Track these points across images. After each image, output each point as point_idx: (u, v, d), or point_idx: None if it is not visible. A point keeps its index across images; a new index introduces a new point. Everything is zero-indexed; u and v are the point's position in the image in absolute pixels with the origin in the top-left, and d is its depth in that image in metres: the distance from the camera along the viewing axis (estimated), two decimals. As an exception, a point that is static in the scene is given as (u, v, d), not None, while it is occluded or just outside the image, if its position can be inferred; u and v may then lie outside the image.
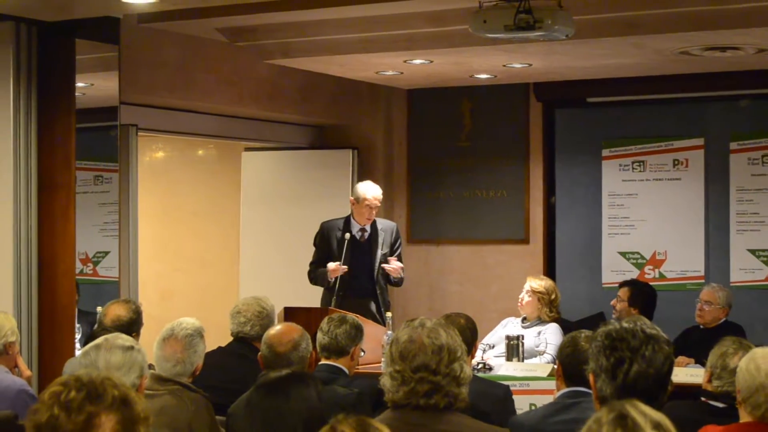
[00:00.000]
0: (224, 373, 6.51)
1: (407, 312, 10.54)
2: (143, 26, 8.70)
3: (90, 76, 8.41)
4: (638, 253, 10.90)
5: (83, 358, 4.83)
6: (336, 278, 9.13)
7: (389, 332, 8.02)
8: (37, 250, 8.02)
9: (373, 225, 9.41)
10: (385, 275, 9.39)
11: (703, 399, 5.65)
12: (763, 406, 4.72)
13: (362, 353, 6.68)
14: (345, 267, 9.15)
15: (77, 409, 2.75)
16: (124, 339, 4.86)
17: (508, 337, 8.21)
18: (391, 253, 9.41)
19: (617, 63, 9.71)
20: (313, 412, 4.10)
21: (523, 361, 8.05)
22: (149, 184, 10.86)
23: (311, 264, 9.39)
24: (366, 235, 9.39)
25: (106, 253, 8.71)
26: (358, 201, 9.37)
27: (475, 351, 6.75)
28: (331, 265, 9.14)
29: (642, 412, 2.74)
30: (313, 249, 9.46)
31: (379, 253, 9.36)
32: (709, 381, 5.63)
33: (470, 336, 6.27)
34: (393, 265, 9.31)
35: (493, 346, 8.35)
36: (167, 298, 11.25)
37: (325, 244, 9.36)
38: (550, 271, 10.92)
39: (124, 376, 4.59)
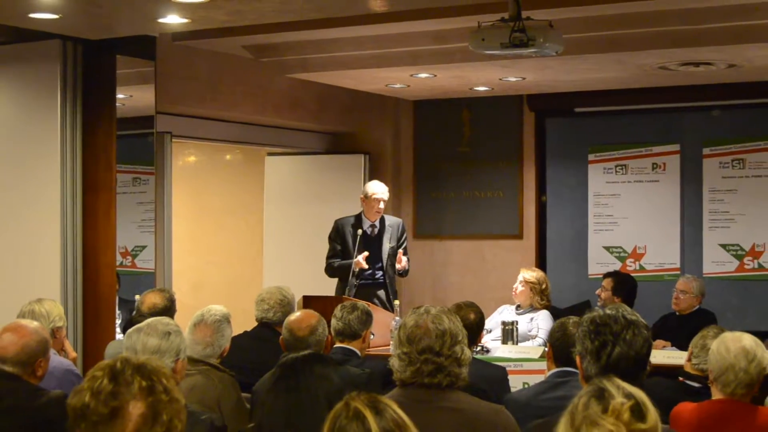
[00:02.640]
0: (249, 354, 6.51)
1: (413, 300, 10.54)
2: (177, 44, 8.71)
3: (129, 88, 8.43)
4: (621, 247, 10.90)
5: (127, 339, 4.82)
6: (359, 269, 9.11)
7: (397, 318, 8.02)
8: (82, 244, 8.04)
9: (382, 221, 9.39)
10: (394, 266, 9.38)
11: (680, 379, 5.66)
12: (732, 384, 4.73)
13: (372, 336, 6.68)
14: (366, 253, 9.13)
15: (103, 401, 2.77)
16: (164, 324, 4.84)
17: (503, 323, 8.20)
18: (398, 245, 9.40)
19: (602, 77, 9.71)
20: (333, 390, 4.11)
21: (517, 344, 8.05)
22: (182, 185, 10.85)
23: (328, 259, 9.35)
24: (376, 230, 9.37)
25: (144, 247, 8.72)
26: (367, 198, 9.35)
27: (480, 340, 6.75)
28: (356, 260, 9.10)
29: (616, 385, 2.74)
30: (328, 244, 9.42)
31: (388, 246, 9.34)
32: (689, 360, 5.65)
33: (477, 329, 6.29)
34: (403, 261, 9.30)
35: (491, 331, 8.34)
36: (198, 288, 11.25)
37: (340, 238, 9.33)
38: (541, 263, 10.92)
39: (159, 359, 4.59)
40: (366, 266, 9.10)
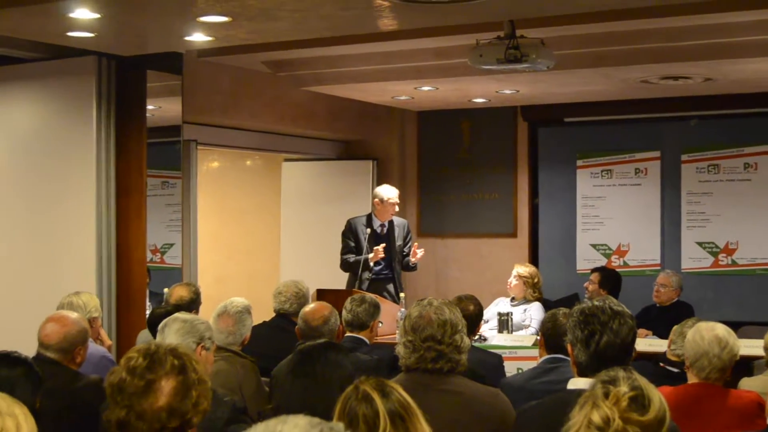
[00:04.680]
0: (268, 342, 6.51)
1: (417, 293, 10.54)
2: (202, 60, 8.73)
3: (158, 100, 8.44)
4: (606, 245, 10.90)
5: (161, 329, 4.83)
6: (373, 262, 9.10)
7: (402, 309, 8.02)
8: (116, 242, 8.06)
9: (390, 221, 9.38)
10: (401, 262, 9.36)
11: (661, 364, 5.68)
12: (707, 369, 4.75)
13: (380, 324, 6.68)
14: (383, 244, 9.12)
15: (139, 375, 2.83)
16: (189, 315, 4.88)
17: (499, 314, 8.21)
18: (404, 244, 9.40)
19: (589, 90, 9.71)
20: (345, 375, 4.13)
21: (511, 333, 8.05)
22: (206, 188, 10.88)
23: (343, 255, 9.29)
24: (385, 229, 9.36)
25: (172, 244, 8.73)
26: (382, 201, 9.28)
27: (479, 329, 6.75)
28: (371, 254, 9.09)
29: (629, 377, 2.74)
30: (341, 241, 9.37)
31: (396, 244, 9.33)
32: (669, 347, 5.67)
33: (476, 319, 6.30)
34: (419, 254, 9.27)
35: (488, 321, 8.34)
36: (221, 282, 11.27)
37: (353, 235, 9.28)
38: (533, 259, 10.92)
39: (182, 338, 4.60)
40: (383, 255, 9.09)
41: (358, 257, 9.16)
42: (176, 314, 4.82)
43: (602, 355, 3.59)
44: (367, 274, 9.11)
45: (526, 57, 6.79)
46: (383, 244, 9.11)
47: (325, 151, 11.55)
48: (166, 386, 2.84)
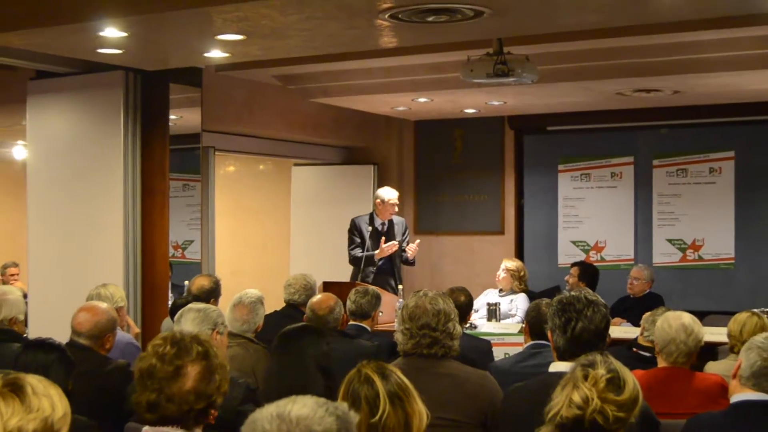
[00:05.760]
0: (278, 330, 6.49)
1: (414, 285, 10.53)
2: (219, 74, 8.73)
3: (180, 110, 8.43)
4: (585, 241, 10.90)
5: (178, 319, 4.83)
6: (378, 258, 9.09)
7: (401, 300, 8.03)
8: (141, 239, 8.05)
9: (390, 220, 9.38)
10: (400, 256, 9.34)
11: (634, 349, 5.69)
12: (674, 354, 4.76)
13: (380, 313, 6.69)
14: (390, 243, 9.12)
15: (169, 361, 2.83)
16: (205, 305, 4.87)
17: (488, 304, 8.22)
18: (403, 240, 9.38)
19: (570, 101, 9.72)
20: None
21: (499, 321, 8.07)
22: (223, 190, 10.88)
23: (350, 250, 9.24)
24: (385, 227, 9.35)
25: (192, 241, 8.73)
26: (383, 202, 9.27)
27: (470, 318, 6.75)
28: (378, 251, 9.06)
29: (605, 361, 2.75)
30: (347, 238, 9.34)
31: (396, 240, 9.32)
32: (642, 334, 5.68)
33: (466, 309, 6.30)
34: (413, 247, 9.25)
35: (478, 310, 8.35)
36: (236, 275, 11.27)
37: (358, 232, 9.24)
38: (519, 254, 10.93)
39: (198, 326, 4.60)
40: (394, 249, 9.08)
41: (365, 253, 9.11)
42: (189, 305, 4.82)
43: (578, 339, 3.60)
44: (371, 268, 9.11)
45: (513, 72, 6.79)
46: (392, 242, 9.08)
47: (331, 157, 11.56)
48: (193, 371, 2.85)
